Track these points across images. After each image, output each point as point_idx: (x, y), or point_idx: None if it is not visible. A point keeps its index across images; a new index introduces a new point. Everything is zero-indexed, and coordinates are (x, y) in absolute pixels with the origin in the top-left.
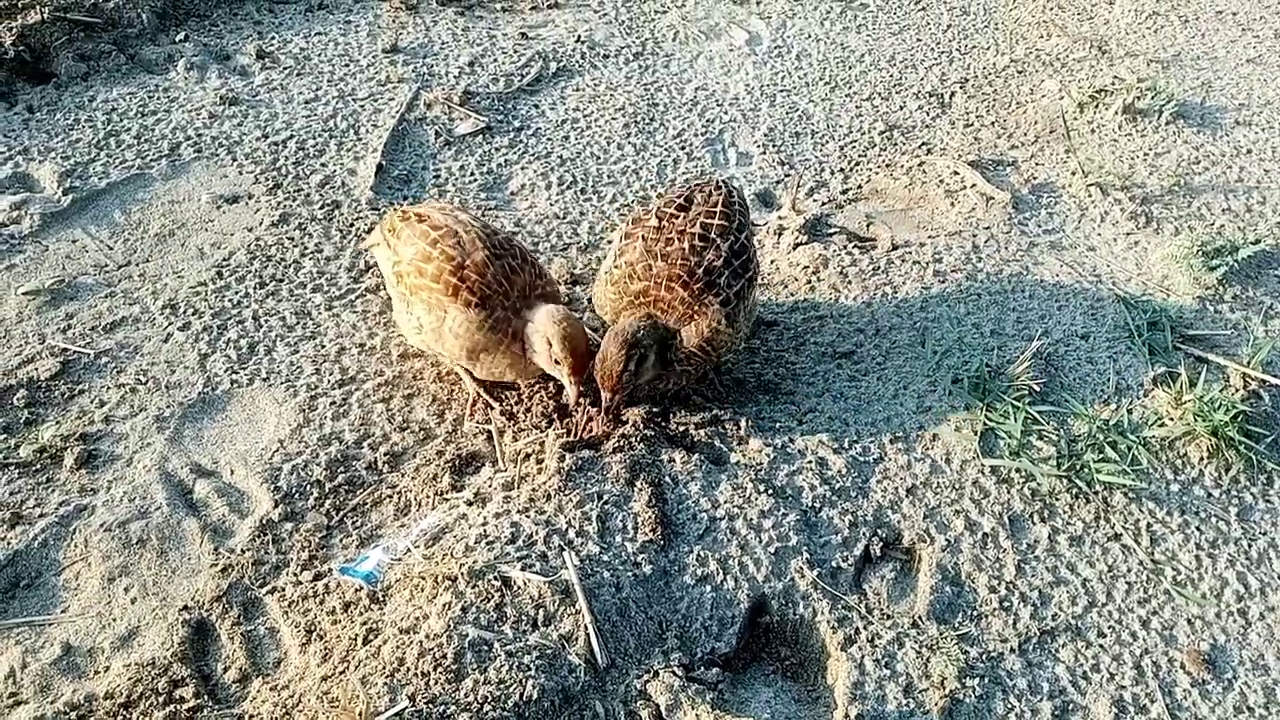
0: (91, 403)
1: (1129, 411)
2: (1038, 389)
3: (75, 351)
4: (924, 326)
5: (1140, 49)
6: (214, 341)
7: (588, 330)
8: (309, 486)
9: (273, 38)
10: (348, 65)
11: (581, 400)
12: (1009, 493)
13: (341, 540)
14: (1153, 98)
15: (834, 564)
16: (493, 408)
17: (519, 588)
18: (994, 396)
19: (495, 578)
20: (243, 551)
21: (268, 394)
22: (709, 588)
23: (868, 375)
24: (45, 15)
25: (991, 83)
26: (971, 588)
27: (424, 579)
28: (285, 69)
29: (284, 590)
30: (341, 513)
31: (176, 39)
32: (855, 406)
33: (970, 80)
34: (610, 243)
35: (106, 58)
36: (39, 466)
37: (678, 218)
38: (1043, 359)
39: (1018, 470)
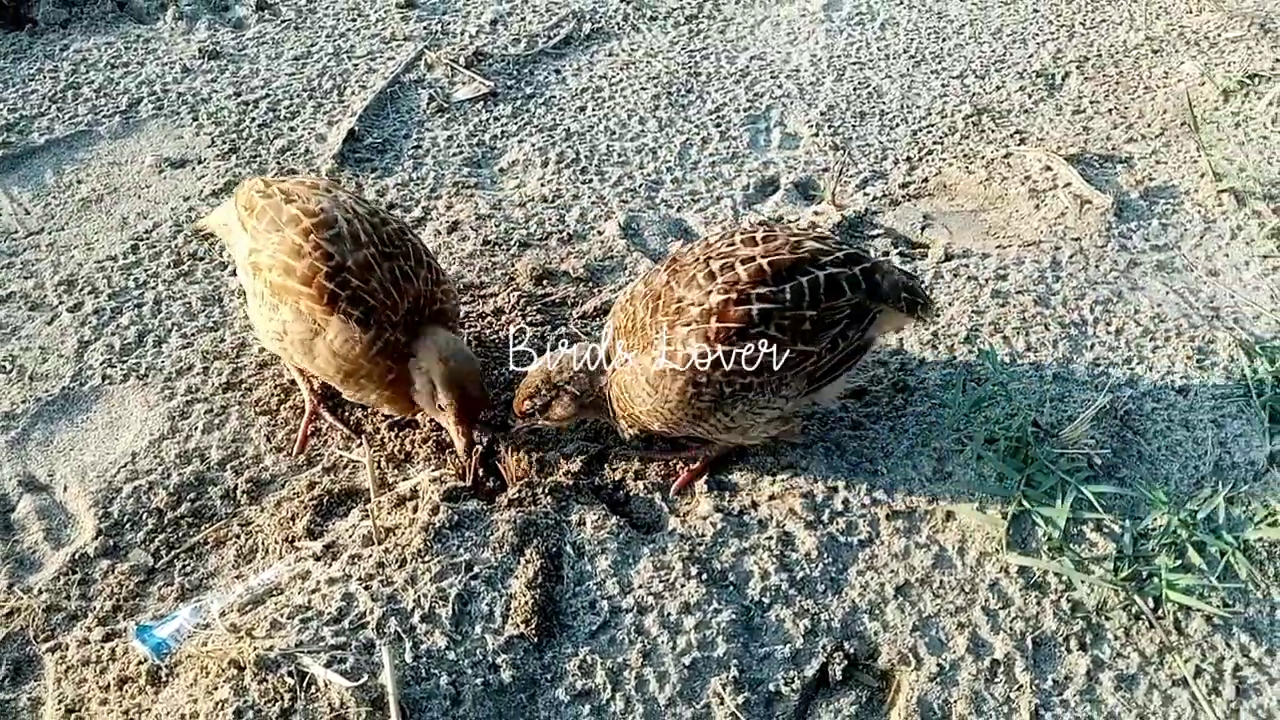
0: None
1: (1229, 501)
2: (1100, 461)
3: None
4: (965, 363)
5: None
6: (101, 327)
7: (479, 369)
8: (145, 515)
9: None
10: (354, 20)
11: (475, 449)
12: (1039, 604)
13: (160, 589)
14: None
15: (771, 687)
16: (336, 427)
17: (318, 691)
18: (1038, 466)
19: (291, 673)
20: (39, 593)
21: (140, 394)
22: (588, 708)
23: (878, 423)
24: None
25: (1118, 63)
26: None
27: (211, 660)
28: (284, 22)
29: (66, 650)
30: (173, 552)
31: None
32: (852, 465)
33: (1091, 59)
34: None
35: (92, 4)
36: None
37: (733, 244)
38: (1116, 418)
39: (1056, 574)
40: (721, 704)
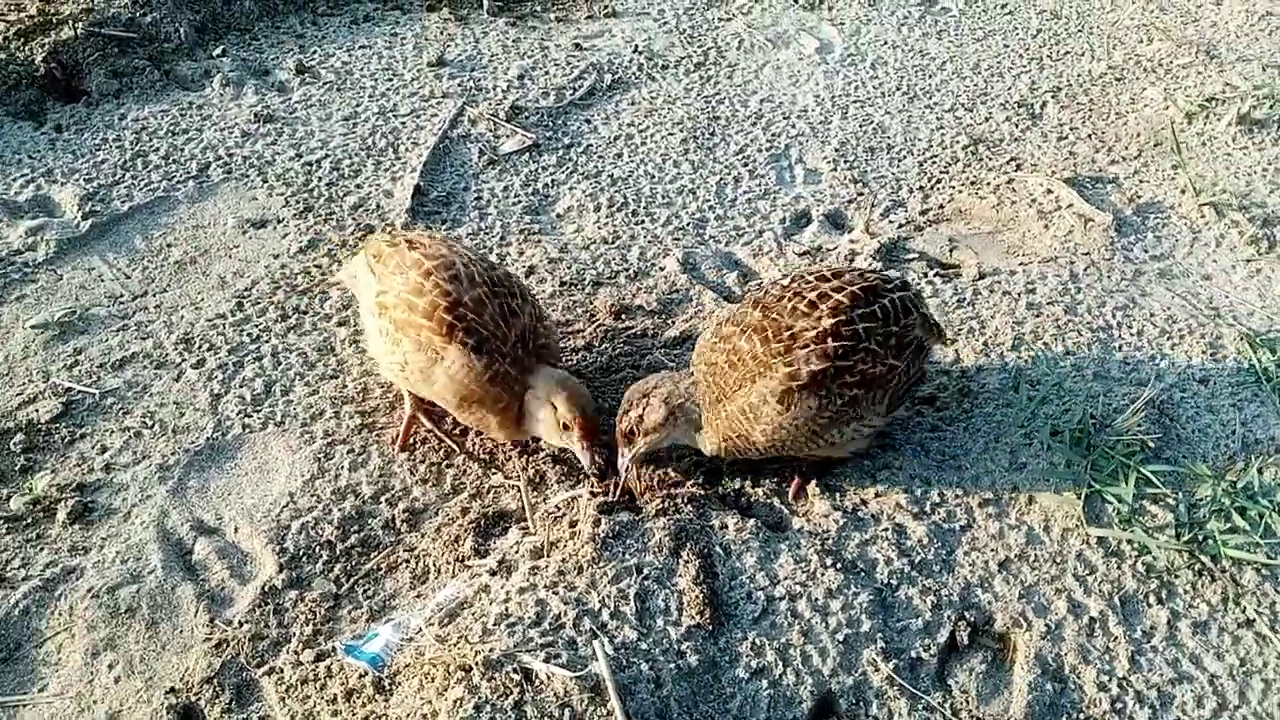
0: (93, 448)
1: (1260, 471)
2: (1152, 445)
3: (80, 391)
4: (1016, 368)
5: (1253, 53)
6: (228, 381)
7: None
8: (318, 548)
9: (314, 51)
10: (391, 80)
11: (596, 464)
12: (1119, 568)
13: (350, 612)
14: (1270, 106)
15: (913, 654)
16: (434, 434)
17: (542, 683)
18: (1099, 453)
19: (515, 670)
20: (240, 624)
21: (281, 440)
22: (765, 683)
23: (952, 425)
24: (79, 31)
25: (1087, 91)
26: (1077, 684)
27: (435, 666)
28: (325, 84)
29: (282, 672)
30: (352, 579)
31: (214, 54)
32: (938, 463)
33: (1063, 89)
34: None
35: (140, 74)
36: (30, 521)
37: (811, 282)
38: (1155, 407)
39: (1130, 542)
40: (876, 670)
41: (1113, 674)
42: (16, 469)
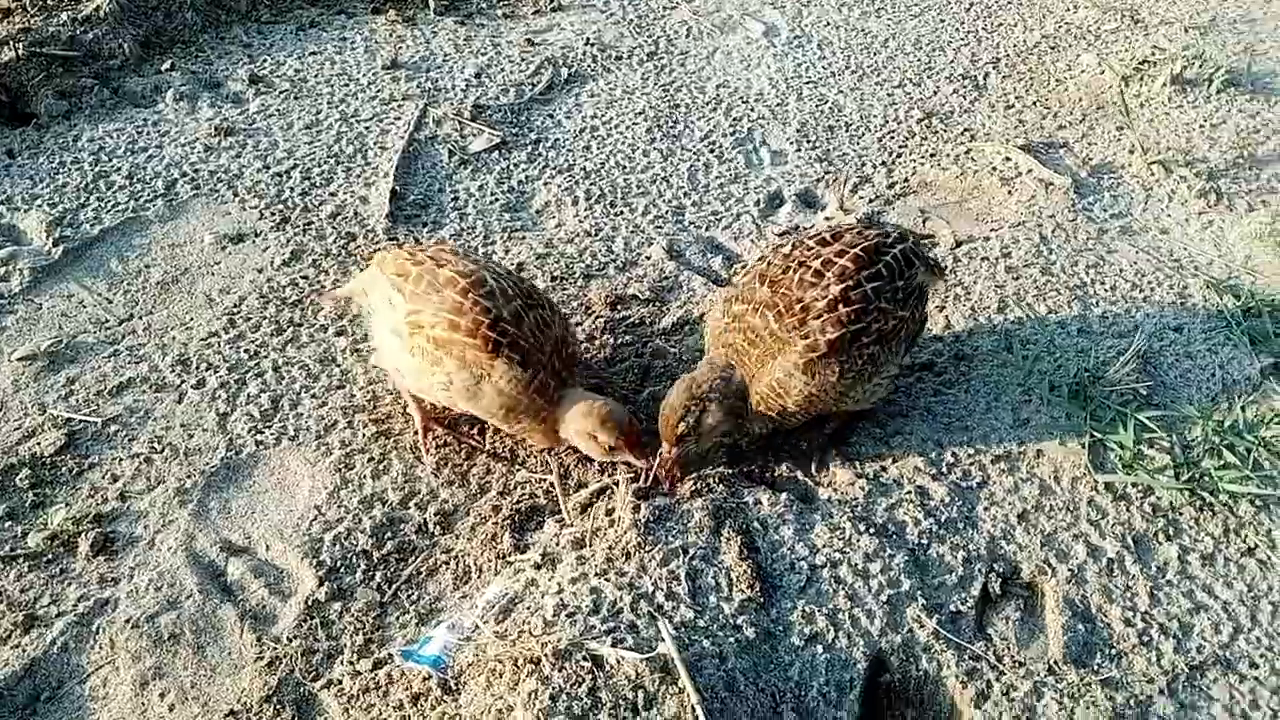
0: (103, 478)
1: (1243, 410)
2: (1144, 392)
3: (81, 421)
4: (1005, 329)
5: (1174, 15)
6: (232, 399)
7: (620, 405)
8: (355, 558)
9: (265, 61)
10: (347, 85)
11: (654, 473)
12: (1129, 511)
13: (399, 618)
14: (1200, 66)
15: (952, 608)
16: (456, 438)
17: (612, 668)
18: (1097, 404)
19: (584, 657)
20: (289, 640)
21: (297, 454)
22: (820, 648)
23: (953, 388)
24: (20, 51)
25: (1025, 60)
26: (1105, 623)
27: (501, 662)
28: (281, 93)
29: (341, 683)
30: (394, 586)
31: (162, 68)
32: (946, 425)
33: (1003, 60)
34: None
35: (89, 93)
36: (51, 556)
37: (812, 249)
38: (1140, 357)
39: (1134, 485)
40: (921, 626)
41: (1136, 609)
42: (28, 505)
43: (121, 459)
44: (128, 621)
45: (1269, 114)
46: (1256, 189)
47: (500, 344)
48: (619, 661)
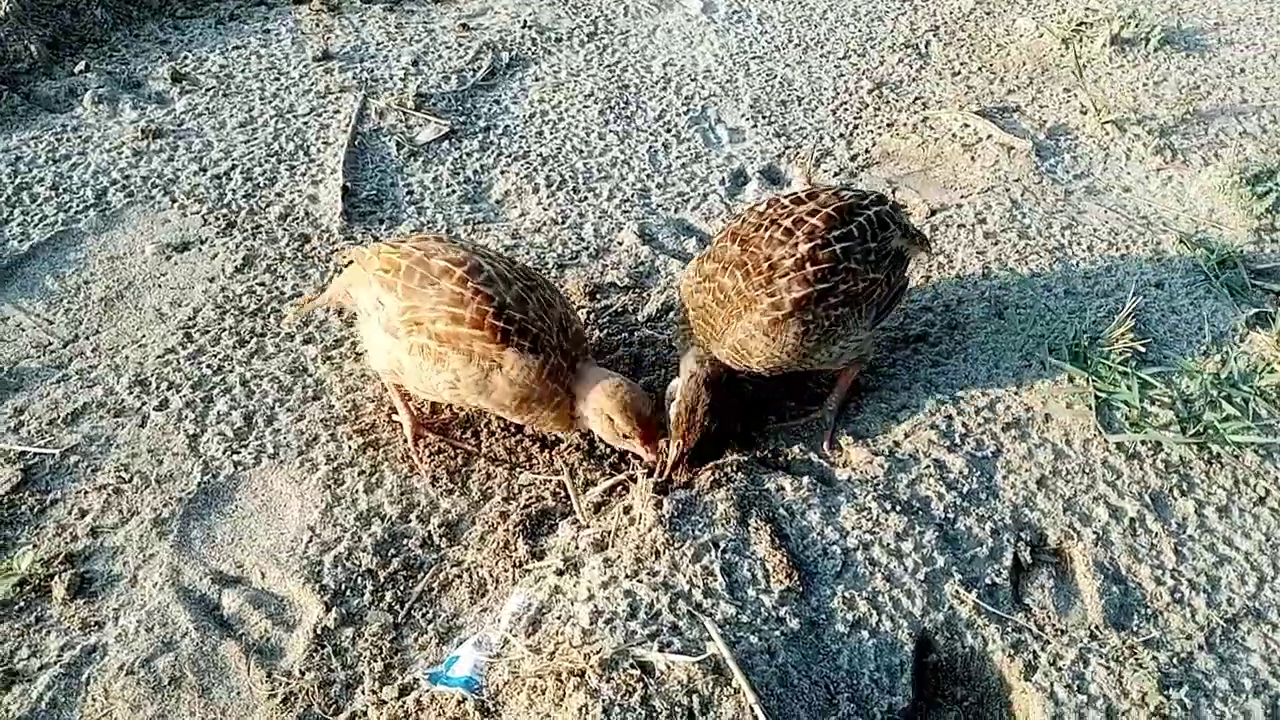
0: (70, 514)
1: (1235, 361)
2: (1141, 349)
3: (35, 454)
4: (993, 295)
5: None
6: (201, 418)
7: (643, 392)
8: (360, 579)
9: (186, 57)
10: (278, 79)
11: (664, 467)
12: (1142, 469)
13: (417, 639)
14: (1136, 26)
15: (988, 581)
16: (449, 443)
17: (662, 674)
18: (1095, 364)
19: (632, 665)
20: (302, 673)
21: (280, 473)
22: (866, 633)
23: (951, 358)
24: None
25: (964, 27)
26: (1137, 583)
27: (542, 677)
28: (208, 91)
29: (366, 714)
30: (407, 605)
31: (75, 70)
32: (950, 396)
33: (941, 27)
34: None
35: None
36: (23, 604)
37: (786, 207)
38: (1130, 315)
39: (1144, 443)
40: (962, 602)
41: (1164, 568)
42: None
43: (87, 492)
44: (121, 668)
45: (1206, 69)
46: (1207, 143)
47: (509, 332)
48: (669, 667)
